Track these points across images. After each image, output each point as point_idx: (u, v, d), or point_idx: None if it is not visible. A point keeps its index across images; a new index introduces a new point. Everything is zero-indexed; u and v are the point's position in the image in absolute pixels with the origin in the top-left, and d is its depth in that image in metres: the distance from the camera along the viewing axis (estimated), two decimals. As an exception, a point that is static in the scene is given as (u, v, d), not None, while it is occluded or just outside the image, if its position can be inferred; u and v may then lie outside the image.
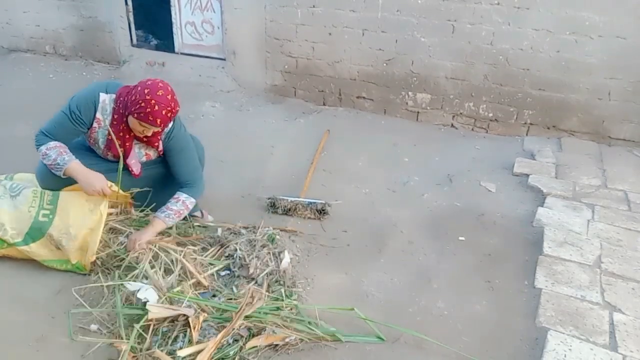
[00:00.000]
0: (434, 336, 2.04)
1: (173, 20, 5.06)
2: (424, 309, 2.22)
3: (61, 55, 5.79)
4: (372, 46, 4.26)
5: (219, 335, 1.88)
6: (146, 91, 2.10)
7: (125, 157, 2.34)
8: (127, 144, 2.31)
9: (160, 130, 2.24)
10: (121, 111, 2.21)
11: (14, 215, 2.26)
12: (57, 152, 2.20)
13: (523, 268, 2.48)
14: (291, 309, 2.10)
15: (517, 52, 3.84)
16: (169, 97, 2.14)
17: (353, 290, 2.33)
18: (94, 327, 2.02)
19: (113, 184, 2.32)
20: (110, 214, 2.42)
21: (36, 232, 2.25)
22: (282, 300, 2.13)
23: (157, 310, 1.95)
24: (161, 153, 2.41)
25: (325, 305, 2.16)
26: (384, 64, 4.29)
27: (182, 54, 5.18)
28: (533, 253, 2.56)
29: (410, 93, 4.32)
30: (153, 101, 2.09)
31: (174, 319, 1.98)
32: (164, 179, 2.56)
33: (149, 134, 2.23)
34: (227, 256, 2.41)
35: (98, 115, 2.24)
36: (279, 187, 3.16)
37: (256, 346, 1.91)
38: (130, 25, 5.29)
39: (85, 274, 2.29)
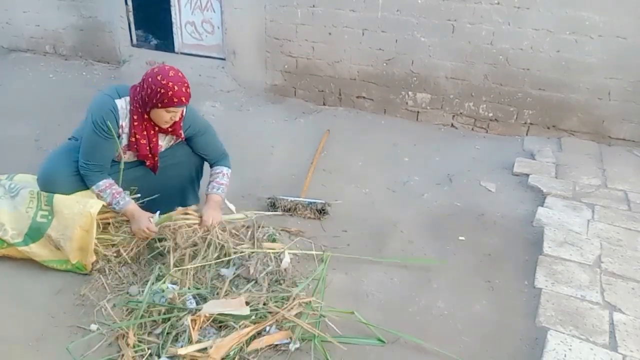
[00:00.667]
0: (434, 336, 2.04)
1: (173, 20, 5.06)
2: (424, 309, 2.22)
3: (61, 55, 5.79)
4: (372, 46, 4.26)
5: (246, 330, 1.89)
6: (159, 77, 2.12)
7: (155, 154, 2.37)
8: (153, 139, 2.32)
9: (185, 108, 2.27)
10: (140, 110, 2.21)
11: (14, 216, 2.26)
12: (111, 195, 2.28)
13: (523, 268, 2.48)
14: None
15: (517, 52, 3.84)
16: (180, 74, 2.18)
17: (353, 290, 2.33)
18: (94, 326, 2.02)
19: (153, 215, 2.38)
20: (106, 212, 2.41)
21: (35, 233, 2.25)
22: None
23: (212, 307, 1.96)
24: (183, 139, 2.42)
25: (325, 307, 2.15)
26: (384, 64, 4.29)
27: (182, 53, 5.18)
28: (533, 253, 2.56)
29: (410, 93, 4.32)
30: (170, 83, 2.11)
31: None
32: (173, 173, 2.57)
33: (177, 118, 2.26)
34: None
35: (121, 122, 2.24)
36: (279, 186, 3.16)
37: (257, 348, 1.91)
38: (130, 25, 5.29)
39: (85, 274, 2.29)
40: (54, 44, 5.78)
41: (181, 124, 2.34)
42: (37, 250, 2.26)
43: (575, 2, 3.56)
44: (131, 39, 5.36)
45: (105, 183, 2.29)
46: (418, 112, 4.36)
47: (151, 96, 2.13)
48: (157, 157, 2.41)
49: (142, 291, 2.14)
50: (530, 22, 3.72)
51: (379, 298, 2.29)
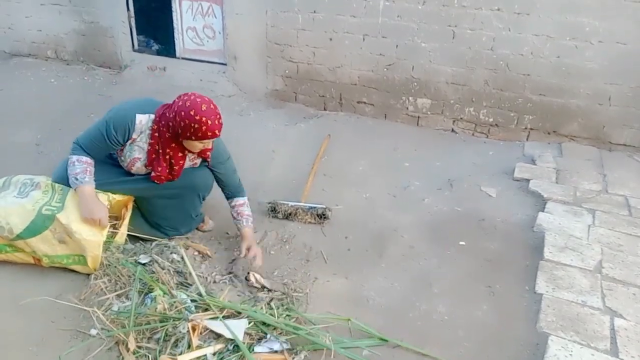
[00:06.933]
0: (434, 341, 2.04)
1: (174, 25, 5.08)
2: (424, 314, 2.22)
3: (63, 60, 5.80)
4: (373, 51, 4.28)
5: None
6: (192, 112, 2.08)
7: (176, 176, 2.37)
8: (181, 162, 2.32)
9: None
10: (168, 134, 2.20)
11: (16, 210, 2.22)
12: (82, 169, 2.23)
13: (524, 273, 2.47)
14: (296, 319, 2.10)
15: (518, 58, 3.85)
16: (212, 105, 2.14)
17: (353, 295, 2.32)
18: (93, 331, 2.02)
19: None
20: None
21: (37, 226, 2.20)
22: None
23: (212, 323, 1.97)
24: (209, 163, 2.42)
25: (322, 314, 2.14)
26: (385, 69, 4.30)
27: (183, 58, 5.20)
28: (534, 258, 2.56)
29: (410, 98, 4.32)
30: (204, 118, 2.08)
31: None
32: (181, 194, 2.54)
33: (210, 146, 2.28)
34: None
35: (134, 135, 2.24)
36: (279, 191, 3.16)
37: None
38: (132, 30, 5.31)
39: (87, 275, 2.28)
40: (55, 49, 5.79)
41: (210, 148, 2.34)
42: (36, 244, 2.22)
43: (576, 8, 3.57)
44: (133, 44, 5.38)
45: (87, 159, 2.26)
46: (418, 117, 4.37)
47: (185, 129, 2.11)
48: (176, 178, 2.40)
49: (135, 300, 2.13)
50: (531, 28, 3.73)
51: (380, 303, 2.28)
